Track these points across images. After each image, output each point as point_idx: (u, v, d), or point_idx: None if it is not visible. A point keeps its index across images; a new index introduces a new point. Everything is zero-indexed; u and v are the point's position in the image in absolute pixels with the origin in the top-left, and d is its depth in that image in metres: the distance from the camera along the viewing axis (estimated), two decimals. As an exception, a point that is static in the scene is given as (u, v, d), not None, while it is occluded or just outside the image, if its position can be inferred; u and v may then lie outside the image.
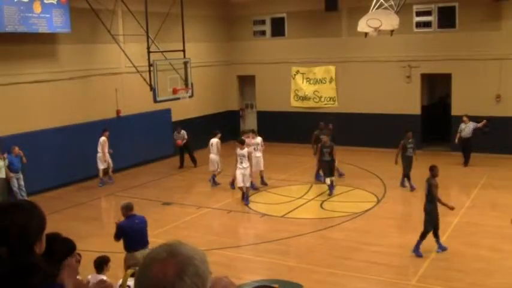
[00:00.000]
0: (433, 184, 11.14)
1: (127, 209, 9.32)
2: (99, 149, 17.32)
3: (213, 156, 16.73)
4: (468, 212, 13.67)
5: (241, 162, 14.84)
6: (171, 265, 1.65)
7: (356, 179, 16.70)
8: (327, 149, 15.47)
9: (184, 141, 19.32)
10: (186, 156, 19.52)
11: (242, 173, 14.79)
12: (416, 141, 18.10)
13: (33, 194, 15.13)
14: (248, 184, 15.12)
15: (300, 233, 12.62)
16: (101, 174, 17.43)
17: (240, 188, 15.06)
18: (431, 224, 11.01)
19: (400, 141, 16.09)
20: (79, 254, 3.16)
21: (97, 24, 17.46)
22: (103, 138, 17.33)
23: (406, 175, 15.89)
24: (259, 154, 16.40)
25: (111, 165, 17.61)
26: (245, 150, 15.03)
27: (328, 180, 15.48)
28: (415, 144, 16.23)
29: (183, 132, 19.42)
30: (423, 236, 10.97)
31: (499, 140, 19.22)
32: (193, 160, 19.43)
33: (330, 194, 15.35)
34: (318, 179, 16.58)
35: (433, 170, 11.36)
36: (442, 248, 11.14)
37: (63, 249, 3.05)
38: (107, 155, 17.41)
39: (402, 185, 16.05)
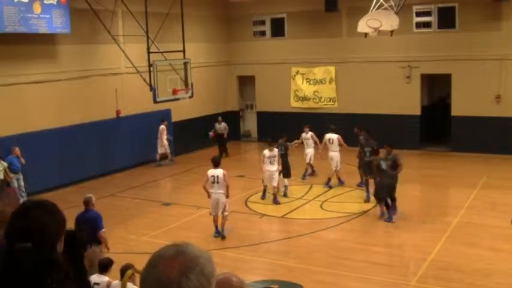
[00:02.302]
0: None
1: (84, 203, 9.45)
2: (158, 136, 19.43)
3: (332, 153, 16.01)
4: (468, 212, 13.67)
5: (271, 163, 14.72)
6: (177, 264, 1.67)
7: (356, 180, 16.66)
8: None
9: (226, 131, 20.95)
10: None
11: (270, 174, 14.77)
12: (415, 143, 17.87)
13: (33, 195, 15.10)
14: (275, 184, 14.88)
15: (300, 233, 12.62)
16: (157, 157, 19.69)
17: (265, 187, 15.13)
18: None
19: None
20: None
21: (97, 24, 17.46)
22: (162, 127, 19.39)
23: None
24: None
25: (168, 150, 19.72)
26: (276, 151, 14.84)
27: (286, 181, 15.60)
28: (395, 163, 13.25)
29: (224, 124, 20.84)
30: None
31: (499, 140, 19.22)
32: (226, 152, 20.77)
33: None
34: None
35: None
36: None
37: (80, 241, 3.14)
38: (165, 141, 19.51)
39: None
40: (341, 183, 16.39)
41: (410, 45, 20.43)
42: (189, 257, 1.69)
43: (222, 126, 20.96)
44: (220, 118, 21.23)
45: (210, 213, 12.34)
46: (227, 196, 12.08)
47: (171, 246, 1.73)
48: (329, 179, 16.39)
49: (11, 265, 2.14)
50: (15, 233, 2.25)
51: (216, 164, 12.12)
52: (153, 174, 18.75)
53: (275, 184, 14.87)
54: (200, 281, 1.67)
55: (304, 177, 17.23)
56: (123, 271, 7.70)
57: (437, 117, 21.54)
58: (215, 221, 12.32)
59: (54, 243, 2.30)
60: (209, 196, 12.17)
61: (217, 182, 11.96)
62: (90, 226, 9.13)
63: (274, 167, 14.75)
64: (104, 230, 9.40)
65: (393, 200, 13.29)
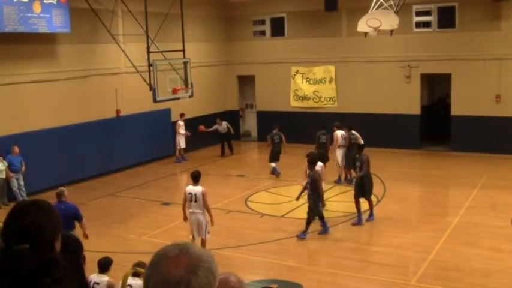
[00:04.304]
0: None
1: (57, 195, 9.82)
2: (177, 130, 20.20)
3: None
4: (468, 212, 13.68)
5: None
6: (184, 261, 1.69)
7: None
8: None
9: (226, 130, 21.13)
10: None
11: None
12: (416, 142, 17.80)
13: (33, 194, 15.11)
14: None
15: (300, 233, 12.60)
16: (176, 152, 20.40)
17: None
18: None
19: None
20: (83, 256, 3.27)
21: (97, 24, 17.46)
22: (178, 122, 20.03)
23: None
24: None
25: (180, 146, 20.17)
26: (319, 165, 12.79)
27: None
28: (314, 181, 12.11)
29: (224, 123, 21.14)
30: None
31: (499, 140, 19.23)
32: (231, 149, 21.48)
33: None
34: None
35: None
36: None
37: (77, 247, 3.14)
38: (179, 136, 20.03)
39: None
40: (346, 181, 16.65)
41: (410, 44, 20.43)
42: (194, 256, 1.71)
43: (222, 127, 21.08)
44: (218, 120, 21.18)
45: (192, 238, 10.71)
46: (212, 221, 10.74)
47: (174, 246, 1.75)
48: (340, 177, 16.79)
49: (9, 266, 2.14)
50: (11, 234, 2.24)
51: (195, 180, 10.66)
52: (152, 174, 18.75)
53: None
54: (208, 277, 1.70)
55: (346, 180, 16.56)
56: (102, 263, 7.82)
57: (437, 117, 21.54)
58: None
59: (51, 242, 2.30)
60: (184, 218, 10.86)
61: (195, 201, 10.54)
62: (66, 217, 9.33)
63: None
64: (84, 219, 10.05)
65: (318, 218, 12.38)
